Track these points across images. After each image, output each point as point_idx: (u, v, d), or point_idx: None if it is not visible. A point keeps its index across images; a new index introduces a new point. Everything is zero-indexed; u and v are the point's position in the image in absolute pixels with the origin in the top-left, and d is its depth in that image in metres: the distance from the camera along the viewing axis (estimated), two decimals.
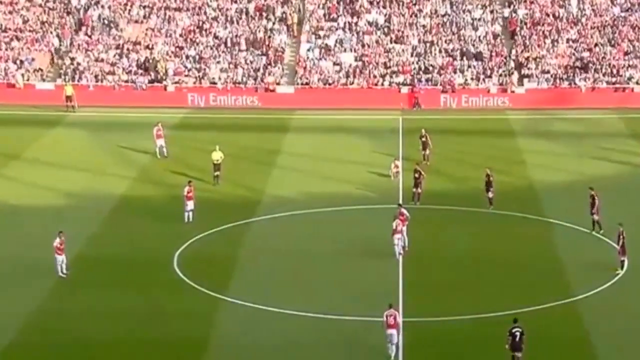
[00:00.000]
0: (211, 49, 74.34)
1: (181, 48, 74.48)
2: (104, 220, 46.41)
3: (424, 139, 54.94)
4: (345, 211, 47.68)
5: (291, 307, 36.49)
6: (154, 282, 38.82)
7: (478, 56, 72.62)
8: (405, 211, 42.41)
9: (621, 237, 39.63)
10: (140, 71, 72.47)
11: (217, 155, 51.33)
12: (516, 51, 73.81)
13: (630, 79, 70.72)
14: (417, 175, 47.91)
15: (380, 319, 32.88)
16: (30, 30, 76.01)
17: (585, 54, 72.64)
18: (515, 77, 70.45)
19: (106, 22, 76.56)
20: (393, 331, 32.13)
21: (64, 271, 39.18)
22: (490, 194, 46.66)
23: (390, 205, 48.13)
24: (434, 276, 39.66)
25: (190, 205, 45.42)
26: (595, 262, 40.89)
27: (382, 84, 71.43)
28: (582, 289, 38.02)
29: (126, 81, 71.70)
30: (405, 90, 70.54)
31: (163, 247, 42.14)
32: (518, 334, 31.53)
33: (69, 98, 68.20)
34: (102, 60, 73.57)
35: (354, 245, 43.01)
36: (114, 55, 73.92)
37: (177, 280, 39.01)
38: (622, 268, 39.64)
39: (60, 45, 75.15)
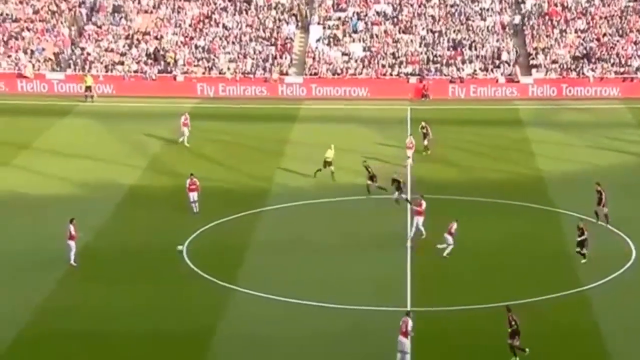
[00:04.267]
0: (220, 39, 74.12)
1: (190, 38, 74.27)
2: (113, 210, 46.28)
3: (424, 130, 55.06)
4: (353, 201, 47.49)
5: (301, 297, 36.35)
6: (164, 273, 38.67)
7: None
8: (423, 203, 42.05)
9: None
10: (149, 61, 72.29)
11: (330, 153, 50.34)
12: (524, 42, 73.45)
13: (638, 69, 70.30)
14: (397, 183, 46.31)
15: (391, 308, 32.69)
16: (40, 20, 75.88)
17: (594, 44, 72.26)
18: (518, 68, 69.97)
19: (116, 12, 76.37)
20: (402, 339, 31.13)
21: (74, 262, 39.05)
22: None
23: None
24: (444, 266, 39.47)
25: (193, 196, 45.06)
26: (605, 252, 40.69)
27: (391, 74, 71.13)
28: (592, 279, 37.85)
29: (136, 71, 71.54)
30: (413, 80, 70.25)
31: (173, 237, 41.96)
32: (514, 323, 31.30)
33: (88, 88, 68.11)
34: (112, 50, 73.41)
35: (363, 234, 42.85)
36: (124, 46, 73.75)
37: (187, 270, 38.86)
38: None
39: (70, 35, 74.99)
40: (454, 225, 39.92)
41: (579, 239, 39.36)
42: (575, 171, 52.00)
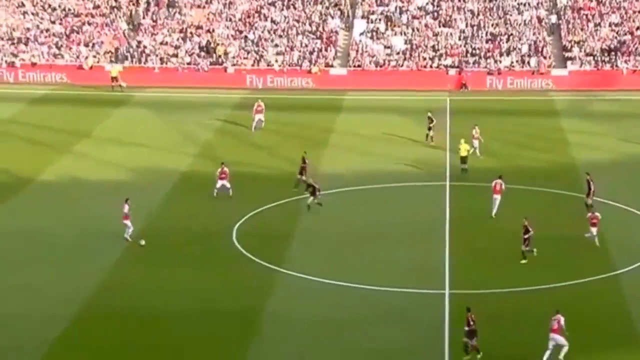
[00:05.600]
0: (269, 32, 74.14)
1: (240, 32, 74.37)
2: (166, 195, 46.53)
3: (430, 121, 54.06)
4: (395, 188, 47.32)
5: (345, 280, 36.31)
6: (214, 255, 38.82)
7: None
8: (501, 182, 42.65)
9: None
10: (202, 54, 72.51)
11: (464, 148, 48.81)
12: (559, 36, 72.65)
13: None
14: None
15: (430, 291, 32.45)
16: (100, 15, 76.39)
17: (627, 37, 71.26)
18: (546, 60, 69.05)
19: (170, 7, 76.67)
20: (554, 336, 30.16)
21: (129, 237, 39.69)
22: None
23: (438, 182, 47.85)
24: (480, 250, 39.21)
25: (222, 184, 45.06)
26: (636, 238, 40.20)
27: (431, 67, 70.69)
28: (623, 264, 37.42)
29: (189, 63, 71.80)
30: (452, 72, 69.76)
31: (223, 221, 42.11)
32: (473, 323, 29.92)
33: (114, 79, 68.68)
34: (167, 43, 73.73)
35: (404, 220, 42.70)
36: (177, 39, 74.04)
37: (236, 253, 38.98)
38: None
39: (128, 29, 75.46)
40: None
41: (524, 236, 37.18)
42: (608, 160, 51.34)
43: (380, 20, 74.72)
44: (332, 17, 75.70)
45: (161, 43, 73.78)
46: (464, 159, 48.42)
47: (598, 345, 31.47)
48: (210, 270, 37.50)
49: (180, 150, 54.10)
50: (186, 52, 72.76)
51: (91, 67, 70.84)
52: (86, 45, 73.66)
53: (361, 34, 73.86)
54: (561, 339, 29.96)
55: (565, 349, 29.89)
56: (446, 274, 36.89)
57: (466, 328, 30.14)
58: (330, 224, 42.55)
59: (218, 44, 72.65)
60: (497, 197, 42.58)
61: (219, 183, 45.45)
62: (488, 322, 32.03)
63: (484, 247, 39.62)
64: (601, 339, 31.85)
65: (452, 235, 40.72)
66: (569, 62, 70.09)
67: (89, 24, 75.66)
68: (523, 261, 37.14)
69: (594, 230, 39.04)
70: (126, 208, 39.81)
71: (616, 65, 69.12)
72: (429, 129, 54.22)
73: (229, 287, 36.02)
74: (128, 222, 39.80)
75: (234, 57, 72.08)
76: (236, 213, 43.01)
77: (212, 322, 33.13)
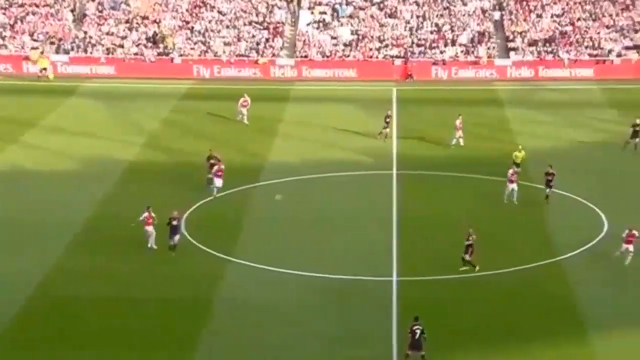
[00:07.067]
0: (216, 23, 73.93)
1: (187, 22, 74.07)
2: (114, 184, 46.34)
3: (387, 119, 53.90)
4: (343, 177, 47.62)
5: (295, 268, 36.56)
6: (164, 245, 38.76)
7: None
8: (517, 170, 44.21)
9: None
10: (149, 44, 72.10)
11: (519, 155, 47.26)
12: (502, 25, 73.52)
13: (610, 51, 70.47)
14: None
15: (379, 278, 32.82)
16: (44, 5, 75.52)
17: (569, 28, 72.38)
18: (482, 49, 69.84)
19: None
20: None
21: (154, 245, 38.19)
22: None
23: (385, 171, 48.25)
24: (426, 238, 39.67)
25: (218, 182, 44.03)
26: (579, 224, 41.00)
27: (377, 57, 71.11)
28: (567, 249, 38.12)
29: (135, 54, 71.36)
30: (398, 62, 70.26)
31: (171, 209, 41.96)
32: (418, 331, 29.41)
33: (44, 69, 68.49)
34: (112, 34, 73.17)
35: (353, 208, 43.02)
36: (124, 30, 73.51)
37: (185, 242, 38.98)
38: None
39: (73, 19, 74.70)
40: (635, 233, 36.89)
41: (466, 242, 36.27)
42: (550, 148, 52.16)
43: (325, 12, 74.88)
44: (279, 8, 75.72)
45: (107, 33, 73.21)
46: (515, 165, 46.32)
47: (543, 329, 32.07)
48: (158, 259, 37.47)
49: (127, 140, 53.85)
50: (133, 42, 72.29)
51: (36, 61, 69.83)
52: (30, 35, 72.79)
53: (308, 24, 74.00)
54: None
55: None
56: (394, 261, 37.28)
57: (409, 334, 29.66)
58: (279, 213, 42.72)
59: (165, 35, 72.26)
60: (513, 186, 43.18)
61: (217, 182, 43.96)
62: (435, 307, 32.55)
63: (431, 234, 40.08)
64: (546, 324, 32.46)
65: (399, 222, 41.12)
66: (512, 53, 70.98)
67: (33, 13, 74.76)
68: (463, 268, 36.17)
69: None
70: (145, 215, 38.11)
71: (558, 56, 70.17)
72: (385, 126, 53.91)
73: (178, 275, 36.05)
74: (149, 229, 38.05)
75: (180, 48, 71.77)
76: (185, 202, 42.96)
77: (161, 309, 33.20)
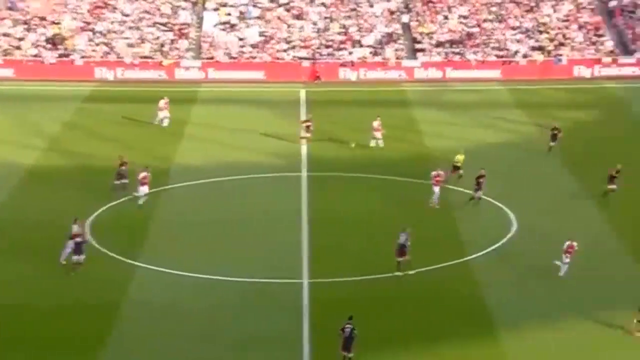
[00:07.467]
0: (119, 24, 72.40)
1: (88, 23, 72.37)
2: (14, 188, 44.96)
3: (308, 123, 53.55)
4: (251, 179, 46.95)
5: (203, 272, 35.88)
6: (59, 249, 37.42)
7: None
8: (442, 173, 43.54)
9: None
10: (48, 46, 70.18)
11: (459, 158, 46.74)
12: (410, 26, 73.79)
13: (516, 52, 71.34)
14: None
15: (290, 280, 32.25)
16: None
17: (475, 29, 73.04)
18: (390, 50, 70.03)
19: None
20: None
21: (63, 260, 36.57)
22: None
23: (294, 173, 47.75)
24: (338, 239, 39.26)
25: (143, 190, 42.50)
26: (488, 224, 41.12)
27: (284, 59, 70.58)
28: (475, 249, 38.17)
29: (34, 55, 69.37)
30: (306, 64, 69.85)
31: (74, 215, 40.65)
32: (349, 330, 29.04)
33: None
34: (9, 35, 71.01)
35: (261, 210, 42.46)
36: (22, 31, 71.42)
37: (90, 248, 37.69)
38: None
39: None
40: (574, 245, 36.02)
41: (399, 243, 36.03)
42: (457, 148, 52.27)
43: (230, 13, 74.08)
44: (183, 9, 74.58)
45: (3, 35, 71.00)
46: (455, 168, 46.31)
47: (453, 330, 32.00)
48: (62, 265, 36.15)
49: (27, 144, 52.18)
50: (32, 44, 70.26)
51: None
52: None
53: (214, 25, 73.05)
54: None
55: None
56: (304, 263, 36.80)
57: (342, 334, 29.29)
58: (186, 216, 41.92)
59: (65, 37, 70.43)
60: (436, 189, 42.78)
61: (142, 190, 42.47)
62: (344, 309, 32.07)
63: (341, 235, 39.68)
64: (455, 322, 32.43)
65: (310, 224, 40.65)
66: (419, 54, 71.26)
67: None
68: (397, 273, 35.71)
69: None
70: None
71: (465, 57, 70.71)
72: (306, 130, 53.19)
73: (82, 282, 34.91)
74: (70, 243, 35.94)
75: (82, 50, 70.05)
76: (89, 207, 41.78)
77: (65, 317, 32.20)
